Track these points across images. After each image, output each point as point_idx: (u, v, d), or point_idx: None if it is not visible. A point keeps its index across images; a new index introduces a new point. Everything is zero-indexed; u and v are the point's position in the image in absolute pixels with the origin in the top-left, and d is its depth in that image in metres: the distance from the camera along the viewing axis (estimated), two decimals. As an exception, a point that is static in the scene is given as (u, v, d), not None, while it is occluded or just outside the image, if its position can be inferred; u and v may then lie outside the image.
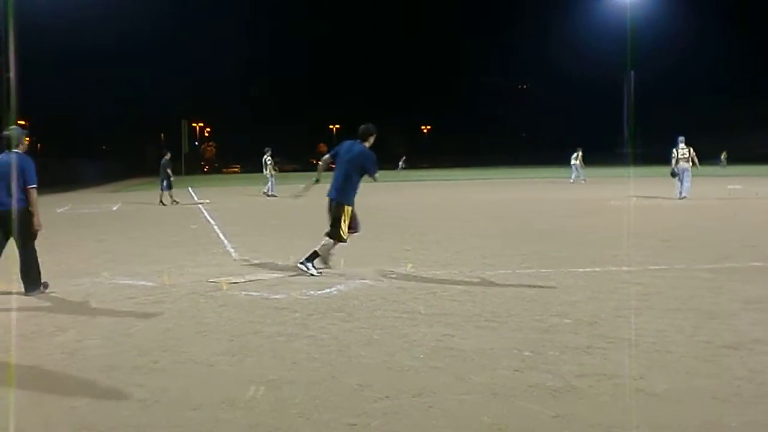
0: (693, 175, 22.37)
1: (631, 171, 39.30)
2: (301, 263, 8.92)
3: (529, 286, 7.94)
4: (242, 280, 8.61)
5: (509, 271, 8.96)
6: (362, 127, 9.17)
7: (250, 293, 7.83)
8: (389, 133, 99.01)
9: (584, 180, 35.50)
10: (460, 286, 7.96)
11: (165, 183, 25.25)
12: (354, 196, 8.99)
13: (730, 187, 27.02)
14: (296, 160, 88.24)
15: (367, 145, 9.08)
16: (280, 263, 10.04)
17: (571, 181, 35.52)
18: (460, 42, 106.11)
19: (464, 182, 40.69)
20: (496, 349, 5.39)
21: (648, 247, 10.99)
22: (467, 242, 12.18)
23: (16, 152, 8.00)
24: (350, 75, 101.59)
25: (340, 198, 8.94)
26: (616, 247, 11.10)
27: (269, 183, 27.99)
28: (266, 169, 28.16)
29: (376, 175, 9.06)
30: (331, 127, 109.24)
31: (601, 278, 8.40)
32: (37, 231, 8.00)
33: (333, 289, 7.98)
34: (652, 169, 42.87)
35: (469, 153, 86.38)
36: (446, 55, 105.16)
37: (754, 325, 5.98)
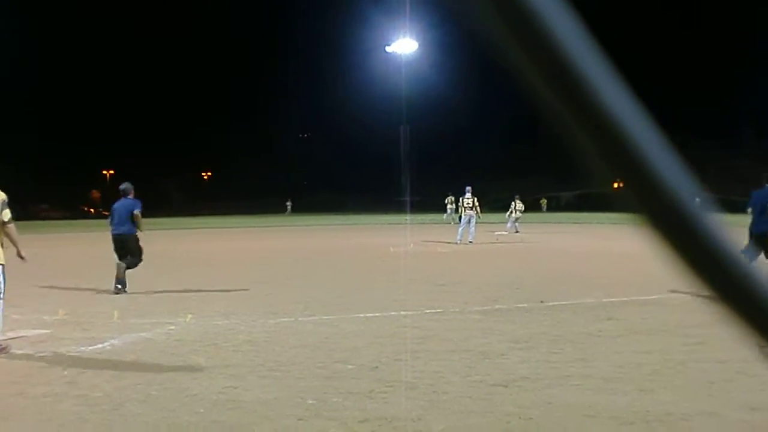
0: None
1: (409, 218, 41.05)
2: None
3: (312, 333, 7.99)
4: (2, 338, 7.89)
5: (292, 319, 8.97)
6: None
7: (12, 351, 7.20)
8: (165, 177, 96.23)
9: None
10: (242, 336, 7.84)
11: None
12: None
13: (497, 233, 28.96)
14: (67, 207, 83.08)
15: None
16: (46, 318, 9.34)
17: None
18: (240, 89, 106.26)
19: (244, 230, 40.33)
20: (280, 398, 5.35)
21: (425, 291, 11.49)
22: (249, 291, 12.04)
23: (131, 198, 12.24)
24: (124, 118, 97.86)
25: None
26: (395, 291, 11.48)
27: None
28: None
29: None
30: (104, 172, 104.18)
31: (381, 323, 8.65)
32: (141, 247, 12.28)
33: (106, 344, 7.54)
34: (429, 216, 45.05)
35: (250, 200, 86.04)
36: (225, 101, 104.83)
37: (521, 363, 6.42)
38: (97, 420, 4.90)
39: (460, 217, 24.11)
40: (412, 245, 22.76)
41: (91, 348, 7.33)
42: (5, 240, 7.50)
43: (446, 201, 39.45)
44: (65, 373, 6.27)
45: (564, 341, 7.39)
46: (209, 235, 35.19)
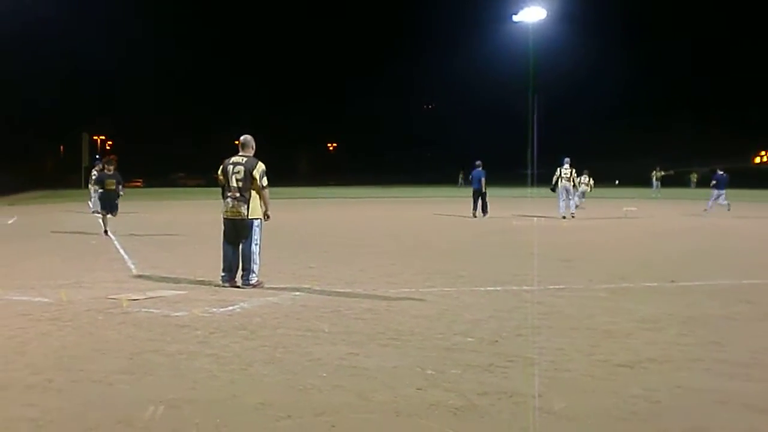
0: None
1: (533, 191, 40.38)
2: None
3: (433, 304, 8.02)
4: (143, 297, 8.38)
5: (413, 290, 9.04)
6: None
7: (151, 310, 7.62)
8: (294, 148, 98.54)
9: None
10: (364, 305, 7.98)
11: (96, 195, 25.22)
12: None
13: (625, 208, 28.10)
14: (203, 175, 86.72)
15: None
16: (182, 279, 9.83)
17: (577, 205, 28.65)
18: (366, 59, 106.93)
19: (369, 200, 40.88)
20: (399, 367, 5.41)
21: (548, 266, 11.29)
22: (371, 260, 12.22)
23: (481, 169, 23.43)
24: (255, 87, 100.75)
25: None
26: (517, 266, 11.35)
27: (94, 197, 27.31)
28: (90, 185, 27.76)
29: None
30: (237, 143, 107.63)
31: (502, 297, 8.58)
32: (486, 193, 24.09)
33: (236, 306, 7.85)
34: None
35: (376, 171, 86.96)
36: (353, 72, 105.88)
37: (649, 344, 6.21)
38: (226, 378, 5.13)
39: (553, 189, 23.72)
40: (535, 219, 22.40)
41: (222, 310, 7.65)
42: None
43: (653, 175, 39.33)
44: (198, 332, 6.59)
45: (695, 323, 7.09)
46: (335, 205, 35.92)
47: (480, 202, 23.74)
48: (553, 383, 5.02)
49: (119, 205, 17.74)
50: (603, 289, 9.13)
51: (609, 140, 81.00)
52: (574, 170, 23.51)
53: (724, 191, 26.34)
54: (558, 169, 23.58)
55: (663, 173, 43.59)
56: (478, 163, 23.94)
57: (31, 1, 67.01)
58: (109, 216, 17.06)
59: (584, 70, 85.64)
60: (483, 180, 23.50)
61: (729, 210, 25.27)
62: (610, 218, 23.74)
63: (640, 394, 4.79)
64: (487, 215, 23.36)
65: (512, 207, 28.84)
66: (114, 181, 17.38)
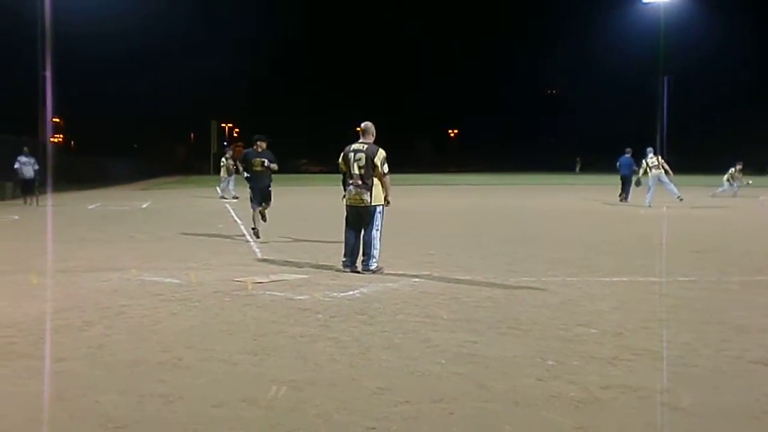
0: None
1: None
2: None
3: (554, 294, 7.86)
4: (267, 280, 8.64)
5: (534, 278, 8.89)
6: None
7: (274, 293, 7.85)
8: (416, 136, 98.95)
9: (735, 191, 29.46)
10: (483, 292, 7.91)
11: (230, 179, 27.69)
12: None
13: (762, 198, 26.66)
14: (324, 161, 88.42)
15: None
16: (304, 264, 10.05)
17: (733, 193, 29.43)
18: (487, 45, 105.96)
19: (490, 187, 40.53)
20: (519, 357, 5.34)
21: (677, 257, 10.84)
22: (492, 248, 12.11)
23: (629, 156, 24.86)
24: (376, 76, 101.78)
25: None
26: (644, 256, 10.97)
27: (223, 183, 28.17)
28: (222, 170, 28.56)
29: None
30: (357, 129, 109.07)
31: (627, 288, 8.31)
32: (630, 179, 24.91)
33: (356, 291, 7.97)
34: (685, 178, 42.35)
35: (496, 158, 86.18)
36: (473, 58, 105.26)
37: (784, 340, 5.86)
38: (346, 362, 5.21)
39: (638, 181, 24.01)
40: (665, 207, 21.58)
41: (342, 294, 7.78)
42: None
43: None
44: (319, 316, 6.72)
45: (838, 320, 6.63)
46: (455, 192, 35.82)
47: (626, 187, 24.80)
48: (680, 378, 4.82)
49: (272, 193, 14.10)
50: (736, 282, 8.68)
51: (740, 126, 76.79)
52: (659, 156, 23.25)
53: None
54: (643, 161, 23.39)
55: None
56: (627, 150, 25.23)
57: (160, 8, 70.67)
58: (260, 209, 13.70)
59: (714, 53, 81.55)
60: (633, 167, 24.54)
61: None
62: (744, 208, 22.57)
63: (775, 393, 4.53)
64: (626, 202, 24.17)
65: (639, 195, 27.92)
66: (262, 160, 13.48)
